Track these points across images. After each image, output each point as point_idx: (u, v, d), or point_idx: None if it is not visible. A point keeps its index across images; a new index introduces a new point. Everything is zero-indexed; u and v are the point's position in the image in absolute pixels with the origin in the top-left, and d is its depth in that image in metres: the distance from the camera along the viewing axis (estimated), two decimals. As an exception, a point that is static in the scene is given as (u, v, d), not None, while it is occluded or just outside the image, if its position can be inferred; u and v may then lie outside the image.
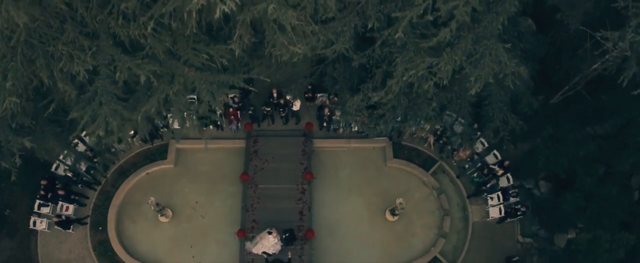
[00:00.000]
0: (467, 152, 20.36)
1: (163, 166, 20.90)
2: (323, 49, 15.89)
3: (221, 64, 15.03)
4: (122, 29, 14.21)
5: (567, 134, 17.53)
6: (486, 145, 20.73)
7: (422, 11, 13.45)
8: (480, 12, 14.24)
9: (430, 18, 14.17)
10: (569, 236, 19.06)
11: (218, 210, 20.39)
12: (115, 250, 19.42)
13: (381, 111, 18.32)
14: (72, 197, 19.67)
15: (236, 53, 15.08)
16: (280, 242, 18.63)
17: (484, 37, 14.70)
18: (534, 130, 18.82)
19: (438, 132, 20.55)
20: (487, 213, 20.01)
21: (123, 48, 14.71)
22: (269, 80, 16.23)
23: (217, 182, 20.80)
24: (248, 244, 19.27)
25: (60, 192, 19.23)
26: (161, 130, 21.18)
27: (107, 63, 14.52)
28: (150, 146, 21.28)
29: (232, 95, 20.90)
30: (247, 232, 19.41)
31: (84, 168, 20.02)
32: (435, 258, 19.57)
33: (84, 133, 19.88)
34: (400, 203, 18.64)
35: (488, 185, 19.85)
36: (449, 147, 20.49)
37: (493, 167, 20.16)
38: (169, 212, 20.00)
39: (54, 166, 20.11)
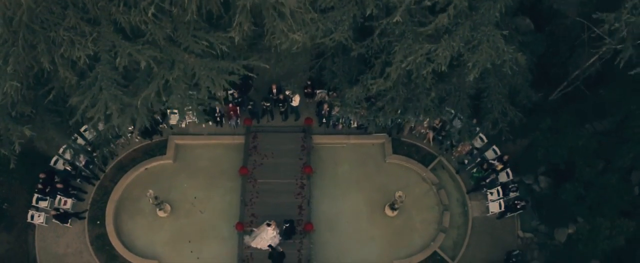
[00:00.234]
0: (467, 148, 20.36)
1: (162, 161, 20.87)
2: (322, 38, 16.02)
3: (221, 51, 15.14)
4: (123, 15, 14.37)
5: (566, 125, 17.51)
6: (485, 140, 20.74)
7: (419, -3, 13.62)
8: (478, -1, 14.42)
9: (428, 3, 14.35)
10: (569, 231, 18.93)
11: (217, 205, 20.29)
12: (113, 244, 19.27)
13: (380, 103, 18.39)
14: (71, 191, 19.59)
15: (236, 40, 15.23)
16: (278, 235, 18.50)
17: (481, 24, 14.86)
18: (532, 123, 18.82)
19: (437, 127, 20.55)
20: (487, 208, 19.93)
21: (124, 34, 14.86)
22: (268, 67, 16.26)
23: (216, 177, 20.75)
24: (247, 238, 19.14)
25: (59, 186, 19.17)
26: (160, 126, 21.22)
27: (108, 49, 14.66)
28: (150, 142, 21.26)
29: (231, 91, 21.07)
30: (245, 226, 19.27)
31: (82, 163, 19.98)
32: (435, 253, 19.38)
33: (84, 128, 20.12)
34: (400, 196, 18.57)
35: (487, 180, 19.81)
36: (448, 143, 20.47)
37: (492, 162, 20.14)
38: (168, 207, 19.90)
39: (53, 160, 20.10)
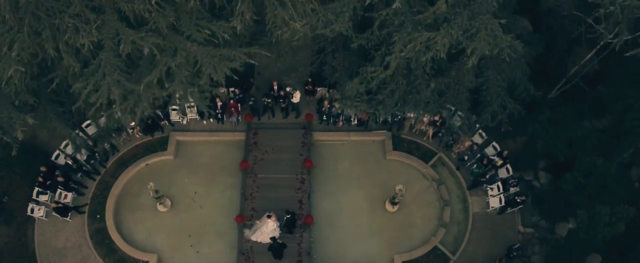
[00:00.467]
0: (467, 144, 20.43)
1: (163, 157, 20.94)
2: (323, 29, 16.23)
3: (223, 39, 15.36)
4: (127, 4, 14.65)
5: (564, 118, 17.64)
6: (485, 137, 20.85)
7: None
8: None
9: (427, -6, 14.62)
10: (570, 226, 18.89)
11: (217, 200, 20.29)
12: (112, 238, 19.22)
13: (380, 97, 18.55)
14: (71, 184, 19.61)
15: (238, 29, 15.48)
16: (279, 228, 18.48)
17: (479, 13, 15.10)
18: (531, 119, 18.96)
19: (437, 124, 20.66)
20: (487, 204, 19.92)
21: (128, 22, 15.12)
22: (269, 55, 16.44)
23: (216, 173, 20.79)
24: (247, 231, 19.11)
25: (60, 179, 19.20)
26: (162, 122, 21.35)
27: (112, 37, 14.89)
28: (151, 138, 21.35)
29: (232, 89, 21.27)
30: (245, 219, 19.26)
31: (84, 158, 20.06)
32: (435, 247, 19.31)
33: (86, 123, 20.26)
34: (400, 189, 18.57)
35: (487, 176, 19.83)
36: (448, 139, 20.56)
37: (492, 158, 20.20)
38: (168, 202, 19.90)
39: (54, 155, 20.17)
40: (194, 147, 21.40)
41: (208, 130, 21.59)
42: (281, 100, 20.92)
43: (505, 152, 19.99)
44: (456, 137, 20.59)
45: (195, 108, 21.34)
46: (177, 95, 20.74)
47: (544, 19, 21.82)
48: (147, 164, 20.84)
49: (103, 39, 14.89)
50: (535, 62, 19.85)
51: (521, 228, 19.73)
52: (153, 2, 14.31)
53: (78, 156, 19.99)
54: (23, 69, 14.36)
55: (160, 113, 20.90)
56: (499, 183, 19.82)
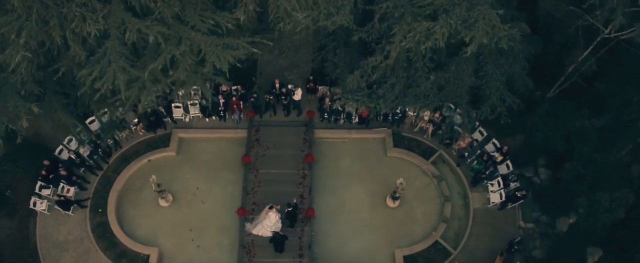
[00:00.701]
0: (467, 140, 20.58)
1: (165, 154, 21.10)
2: (324, 21, 16.56)
3: (227, 29, 15.68)
4: (133, -6, 15.01)
5: (563, 110, 17.86)
6: (485, 134, 21.02)
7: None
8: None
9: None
10: (570, 220, 18.91)
11: (218, 196, 20.38)
12: (114, 232, 19.26)
13: (381, 91, 18.81)
14: (74, 179, 19.74)
15: (241, 20, 15.83)
16: (280, 220, 18.54)
17: (477, 3, 15.45)
18: (531, 112, 19.17)
19: (437, 121, 20.87)
20: (488, 199, 19.98)
21: (133, 12, 15.44)
22: (271, 44, 16.73)
23: (218, 170, 20.93)
24: (248, 225, 19.17)
25: (63, 173, 19.34)
26: (165, 119, 21.57)
27: (118, 25, 15.21)
28: (154, 135, 21.54)
29: (235, 87, 21.55)
30: (247, 213, 19.33)
31: (87, 153, 20.22)
32: (436, 242, 19.32)
33: (89, 120, 20.50)
34: (401, 183, 18.64)
35: (487, 172, 19.94)
36: (448, 134, 20.74)
37: (492, 154, 20.35)
38: (170, 197, 19.99)
39: (58, 150, 20.34)
40: (196, 144, 21.58)
41: (210, 128, 21.78)
42: (283, 97, 21.15)
43: (505, 148, 20.16)
44: (456, 133, 20.76)
45: (198, 105, 21.62)
46: (180, 93, 21.30)
47: (541, 22, 22.27)
48: (149, 160, 20.98)
49: (109, 27, 15.21)
50: (533, 62, 20.15)
51: (522, 224, 19.75)
52: (159, -9, 14.70)
53: (81, 150, 20.15)
54: (30, 55, 14.62)
55: (163, 110, 21.12)
56: (499, 179, 19.93)
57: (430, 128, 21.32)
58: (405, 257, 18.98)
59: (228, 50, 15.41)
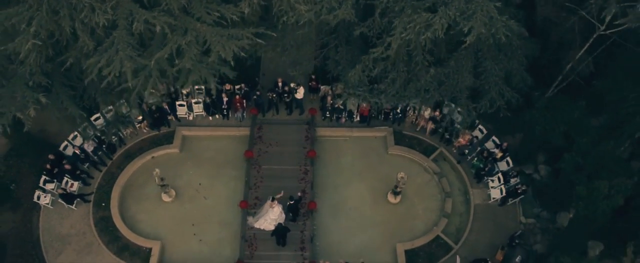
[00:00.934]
0: (467, 137, 20.82)
1: (169, 150, 21.34)
2: (327, 15, 17.00)
3: (231, 21, 16.10)
4: (141, -14, 15.48)
5: (561, 103, 18.14)
6: (485, 131, 21.27)
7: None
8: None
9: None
10: (571, 215, 18.99)
11: (221, 192, 20.52)
12: (116, 225, 19.36)
13: (382, 86, 19.15)
14: (78, 173, 19.94)
15: (245, 12, 16.26)
16: (283, 212, 18.68)
17: (475, -4, 15.91)
18: (530, 106, 19.46)
19: (438, 118, 21.14)
20: (489, 196, 20.11)
21: (141, 4, 15.89)
22: (274, 35, 17.11)
23: (220, 166, 21.13)
24: (250, 219, 19.29)
25: (67, 167, 19.54)
26: (169, 117, 21.86)
27: (126, 16, 15.65)
28: (157, 133, 21.82)
29: (238, 87, 21.93)
30: (249, 207, 19.48)
31: (91, 149, 20.47)
32: (437, 236, 19.39)
33: (94, 117, 20.81)
34: (402, 177, 18.81)
35: (486, 168, 20.13)
36: (448, 129, 21.00)
37: (493, 151, 20.57)
38: (172, 192, 20.16)
39: (62, 146, 20.59)
40: (199, 142, 21.83)
41: (213, 126, 22.06)
42: (285, 95, 21.48)
43: (505, 144, 20.38)
44: (456, 130, 21.02)
45: (202, 104, 21.95)
46: (184, 91, 21.66)
47: (539, 26, 22.76)
48: (153, 157, 21.20)
49: (117, 18, 15.65)
50: (531, 63, 20.53)
51: (523, 219, 19.83)
52: (166, -16, 15.16)
53: (86, 146, 20.40)
54: (40, 43, 14.99)
55: (167, 107, 21.44)
56: (500, 174, 20.10)
57: (431, 126, 21.57)
58: (406, 251, 19.00)
59: (233, 40, 15.79)
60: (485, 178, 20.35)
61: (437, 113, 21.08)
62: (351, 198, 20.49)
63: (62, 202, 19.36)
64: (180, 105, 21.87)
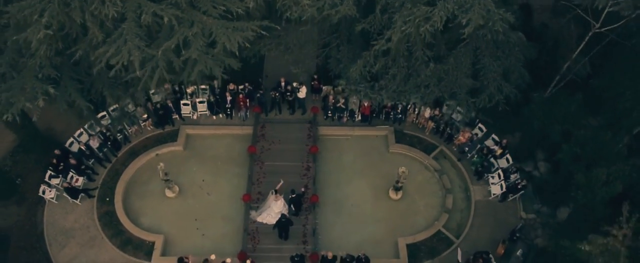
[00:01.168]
0: (467, 135, 21.12)
1: (173, 148, 21.64)
2: (329, 10, 17.52)
3: (237, 14, 16.60)
4: (149, -20, 16.02)
5: (558, 96, 18.50)
6: (485, 130, 21.58)
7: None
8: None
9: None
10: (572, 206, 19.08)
11: (224, 188, 20.74)
12: (120, 220, 19.53)
13: (383, 82, 19.56)
14: (83, 168, 20.20)
15: (250, 6, 16.78)
16: (285, 205, 18.89)
17: (473, -10, 16.42)
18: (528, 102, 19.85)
19: (438, 117, 21.50)
20: (489, 192, 20.31)
21: (149, -1, 16.40)
22: (278, 28, 17.59)
23: (224, 164, 21.40)
24: (253, 213, 19.47)
25: (72, 162, 19.82)
26: (173, 116, 22.23)
27: (134, 9, 16.15)
28: (162, 131, 22.16)
29: (241, 87, 22.35)
30: (252, 201, 19.69)
31: (96, 145, 20.78)
32: (439, 231, 19.51)
33: (101, 114, 21.19)
34: (403, 172, 19.03)
35: (485, 164, 20.39)
36: (448, 126, 21.34)
37: (492, 148, 20.85)
38: (176, 188, 20.37)
39: (68, 142, 20.91)
40: (203, 140, 22.14)
41: (217, 124, 22.40)
42: (288, 94, 21.88)
43: (504, 141, 20.67)
44: (455, 126, 21.36)
45: (206, 103, 22.34)
46: (188, 91, 22.08)
47: (536, 32, 23.33)
48: (157, 154, 21.48)
49: (126, 11, 16.15)
50: (529, 66, 20.96)
51: (523, 215, 19.97)
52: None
53: (91, 142, 20.70)
54: (51, 32, 15.45)
55: (171, 105, 21.81)
56: (500, 171, 20.33)
57: (431, 124, 21.91)
58: (408, 246, 19.12)
59: (238, 32, 16.25)
60: (485, 175, 20.58)
61: (436, 111, 21.44)
62: (353, 195, 20.68)
63: (67, 197, 19.56)
64: (185, 104, 22.26)
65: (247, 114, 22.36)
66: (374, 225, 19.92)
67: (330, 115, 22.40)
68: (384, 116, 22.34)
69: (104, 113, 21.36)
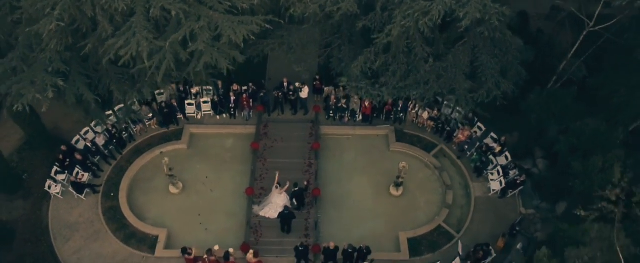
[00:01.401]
0: (466, 133, 21.48)
1: (177, 146, 21.99)
2: (331, 7, 18.10)
3: (242, 9, 17.17)
4: (157, -23, 16.62)
5: (555, 91, 18.94)
6: (484, 129, 21.96)
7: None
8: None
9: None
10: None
11: (227, 185, 21.01)
12: (124, 214, 19.76)
13: (383, 79, 20.03)
14: (89, 164, 20.52)
15: (255, 2, 17.36)
16: (288, 198, 19.17)
17: (470, -14, 17.02)
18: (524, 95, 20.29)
19: (436, 117, 21.93)
20: (489, 189, 20.57)
21: (157, -8, 16.97)
22: (282, 22, 18.13)
23: (227, 162, 21.74)
24: (256, 208, 19.71)
25: (78, 157, 20.15)
26: (178, 116, 22.64)
27: (143, 3, 16.71)
28: (166, 130, 22.55)
29: (245, 88, 22.82)
30: (255, 196, 19.95)
31: (102, 143, 21.14)
32: (439, 226, 19.71)
33: (108, 112, 21.61)
34: (404, 166, 19.30)
35: (484, 159, 20.72)
36: (449, 126, 21.72)
37: (492, 145, 21.20)
38: (180, 184, 20.65)
39: (75, 140, 21.28)
40: (207, 139, 22.52)
41: (221, 124, 22.80)
42: (290, 93, 22.34)
43: (503, 138, 21.02)
44: (454, 122, 21.76)
45: (210, 103, 22.78)
46: (193, 91, 22.55)
47: (533, 37, 23.97)
48: (161, 152, 21.78)
49: (135, 6, 16.71)
50: (527, 69, 21.47)
51: (523, 210, 20.18)
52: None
53: (97, 140, 21.07)
54: (63, 24, 15.99)
55: (176, 104, 22.25)
56: (499, 168, 20.63)
57: (431, 124, 22.30)
58: (409, 240, 19.29)
59: (243, 25, 16.78)
60: (485, 172, 20.87)
61: (435, 112, 21.88)
62: (354, 191, 20.95)
63: (72, 191, 19.84)
64: (189, 104, 22.70)
65: (251, 114, 22.78)
66: (375, 221, 20.12)
67: (332, 115, 22.82)
68: (384, 116, 22.75)
69: (110, 112, 21.77)
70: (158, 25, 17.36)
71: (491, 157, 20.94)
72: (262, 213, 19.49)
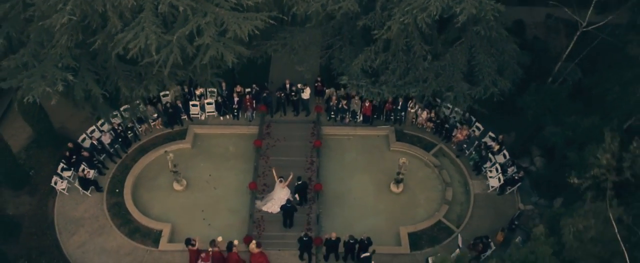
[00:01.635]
0: (464, 133, 21.92)
1: (181, 145, 22.40)
2: (332, 6, 18.77)
3: (247, 6, 17.81)
4: (165, -25, 17.33)
5: (549, 88, 19.46)
6: (482, 128, 22.41)
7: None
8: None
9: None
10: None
11: (230, 183, 21.35)
12: (129, 210, 20.04)
13: (383, 77, 20.58)
14: (95, 161, 20.89)
15: (259, 0, 18.02)
16: (290, 192, 19.49)
17: (466, -16, 17.71)
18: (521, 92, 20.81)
19: (434, 118, 22.43)
20: (488, 186, 20.90)
21: (166, -11, 17.64)
22: (286, 19, 18.75)
23: (230, 160, 22.13)
24: (258, 203, 20.00)
25: (85, 154, 20.55)
26: (182, 116, 23.11)
27: (151, 0, 17.38)
28: (171, 130, 22.98)
29: (248, 89, 23.38)
30: (258, 193, 20.29)
31: (108, 141, 21.55)
32: (439, 221, 19.97)
33: (114, 112, 22.08)
34: (404, 162, 19.71)
35: (483, 154, 21.11)
36: (447, 124, 22.17)
37: (490, 144, 21.62)
38: (184, 182, 20.99)
39: (81, 138, 21.70)
40: (210, 139, 22.95)
41: (224, 124, 23.26)
42: (292, 94, 22.86)
43: (501, 137, 21.45)
44: (452, 121, 22.23)
45: (213, 104, 23.29)
46: (197, 92, 23.08)
47: (529, 43, 24.63)
48: (166, 151, 22.10)
49: (144, 2, 17.37)
50: (524, 73, 22.06)
51: (521, 206, 20.47)
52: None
53: (103, 138, 21.49)
54: (74, 18, 16.60)
55: (180, 105, 22.74)
56: (497, 165, 21.01)
57: (430, 125, 22.77)
58: (410, 235, 19.53)
59: (248, 21, 17.40)
60: (483, 169, 21.23)
61: (433, 114, 22.39)
62: (355, 189, 21.28)
63: (78, 187, 20.16)
64: (193, 105, 23.19)
65: (253, 114, 23.26)
66: (375, 217, 20.39)
67: (333, 116, 23.29)
68: (384, 117, 23.24)
69: (116, 112, 22.23)
70: (166, 21, 17.97)
71: (490, 155, 21.30)
72: (264, 208, 19.79)
